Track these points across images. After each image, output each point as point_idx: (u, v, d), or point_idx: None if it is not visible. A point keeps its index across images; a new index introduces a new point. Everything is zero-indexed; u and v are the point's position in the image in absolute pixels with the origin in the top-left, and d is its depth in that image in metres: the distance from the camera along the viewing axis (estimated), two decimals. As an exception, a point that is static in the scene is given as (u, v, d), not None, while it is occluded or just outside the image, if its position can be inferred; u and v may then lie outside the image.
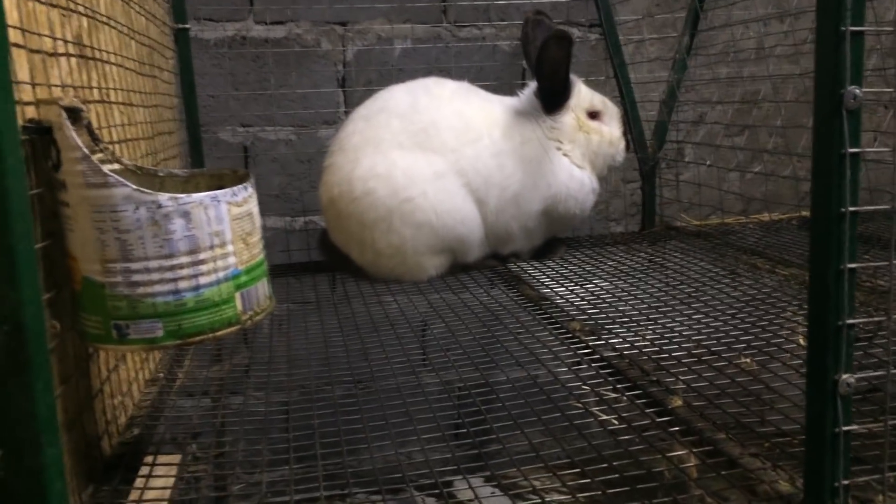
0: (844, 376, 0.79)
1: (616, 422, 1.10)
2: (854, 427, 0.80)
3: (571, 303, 1.58)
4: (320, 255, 2.01)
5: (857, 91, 0.76)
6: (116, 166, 0.96)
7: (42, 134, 0.83)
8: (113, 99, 1.22)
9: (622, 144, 1.90)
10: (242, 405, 1.23)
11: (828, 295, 0.78)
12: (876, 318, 0.92)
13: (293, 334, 1.53)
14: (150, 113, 1.52)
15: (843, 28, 0.75)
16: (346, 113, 2.48)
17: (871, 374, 0.82)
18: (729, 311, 1.44)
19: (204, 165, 2.11)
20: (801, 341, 1.27)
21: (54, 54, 0.96)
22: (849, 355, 0.79)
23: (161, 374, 1.35)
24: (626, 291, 1.63)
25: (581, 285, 1.70)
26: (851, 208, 0.77)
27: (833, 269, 0.77)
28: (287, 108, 2.45)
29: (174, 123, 1.89)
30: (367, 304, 1.69)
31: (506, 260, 1.92)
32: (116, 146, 1.21)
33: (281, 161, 2.47)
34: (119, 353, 1.11)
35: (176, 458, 1.06)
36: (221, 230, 0.88)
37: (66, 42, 1.00)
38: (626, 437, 1.04)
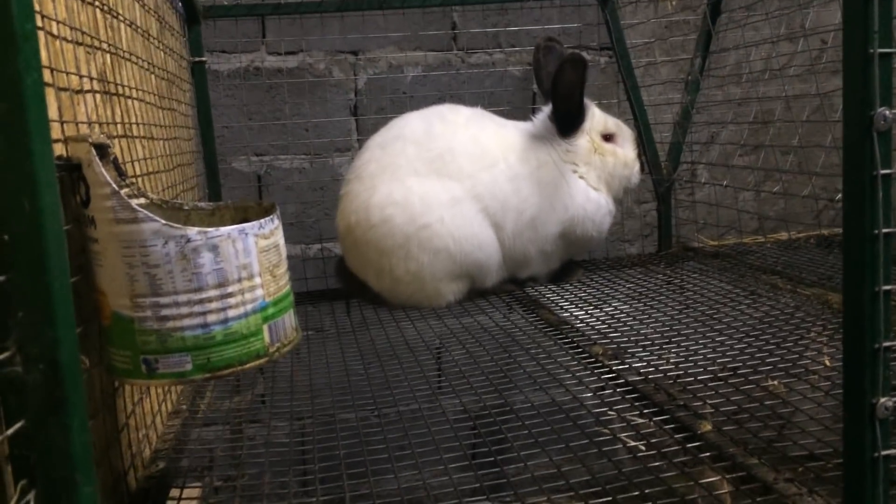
0: (882, 400, 0.78)
1: (644, 447, 1.09)
2: (893, 451, 0.79)
3: (592, 326, 1.58)
4: (337, 282, 2.02)
5: (888, 113, 0.75)
6: (143, 200, 0.96)
7: (71, 171, 0.84)
8: (135, 133, 1.23)
9: (637, 166, 1.90)
10: (266, 435, 1.23)
11: (863, 317, 0.77)
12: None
13: (313, 362, 1.53)
14: (170, 145, 1.53)
15: (872, 50, 0.74)
16: (359, 140, 2.50)
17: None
18: (752, 333, 1.43)
19: (221, 196, 2.12)
20: (828, 362, 1.25)
21: (80, 91, 0.97)
22: (886, 378, 0.78)
23: (184, 406, 1.34)
24: (646, 314, 1.62)
25: (600, 308, 1.69)
26: (885, 230, 0.76)
27: (868, 292, 0.77)
28: (300, 136, 2.47)
29: (191, 155, 1.91)
30: (386, 329, 1.68)
31: (523, 284, 1.91)
32: (139, 179, 1.22)
33: (295, 189, 2.49)
34: (147, 387, 1.11)
35: (201, 491, 1.06)
36: (249, 263, 0.88)
37: (91, 79, 1.01)
38: (656, 462, 1.03)
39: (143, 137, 1.29)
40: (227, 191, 2.30)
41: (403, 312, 1.77)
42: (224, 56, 2.41)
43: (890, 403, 0.78)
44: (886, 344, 0.77)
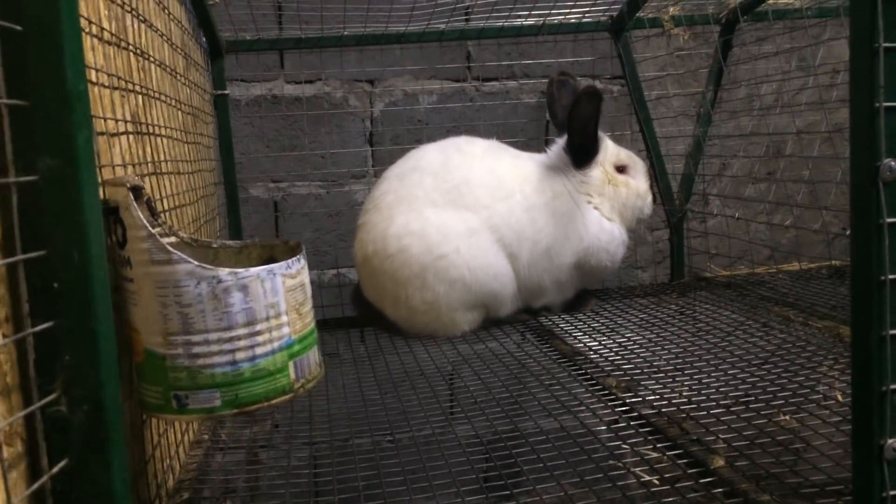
0: (890, 441, 0.80)
1: (657, 482, 1.11)
2: (902, 492, 0.81)
3: (605, 357, 1.60)
4: (353, 310, 2.05)
5: (893, 164, 0.78)
6: (174, 239, 1.00)
7: (109, 214, 0.88)
8: (163, 169, 1.28)
9: (649, 197, 1.93)
10: (287, 463, 1.26)
11: (871, 361, 0.80)
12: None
13: (331, 389, 1.56)
14: (195, 179, 1.58)
15: (878, 104, 0.78)
16: (374, 167, 2.55)
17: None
18: (764, 366, 1.45)
19: (241, 225, 2.16)
20: (840, 397, 1.27)
21: (116, 134, 1.01)
22: (894, 420, 0.80)
23: (205, 436, 1.37)
24: (658, 345, 1.64)
25: (613, 339, 1.71)
26: (892, 276, 0.79)
27: (875, 336, 0.79)
28: (317, 163, 2.52)
29: (213, 186, 1.95)
30: (401, 356, 1.72)
31: (537, 313, 1.94)
32: (166, 214, 1.26)
33: (311, 216, 2.53)
34: (177, 422, 1.14)
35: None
36: (277, 302, 0.91)
37: (125, 122, 1.05)
38: (670, 498, 1.05)
39: (171, 173, 1.34)
40: (245, 217, 2.34)
41: (418, 340, 1.80)
42: (243, 85, 2.47)
43: (898, 445, 0.80)
44: (894, 387, 0.80)
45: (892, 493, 0.81)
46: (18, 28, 0.62)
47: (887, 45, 0.77)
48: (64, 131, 0.63)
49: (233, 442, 1.39)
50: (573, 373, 1.54)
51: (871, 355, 0.80)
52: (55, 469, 0.65)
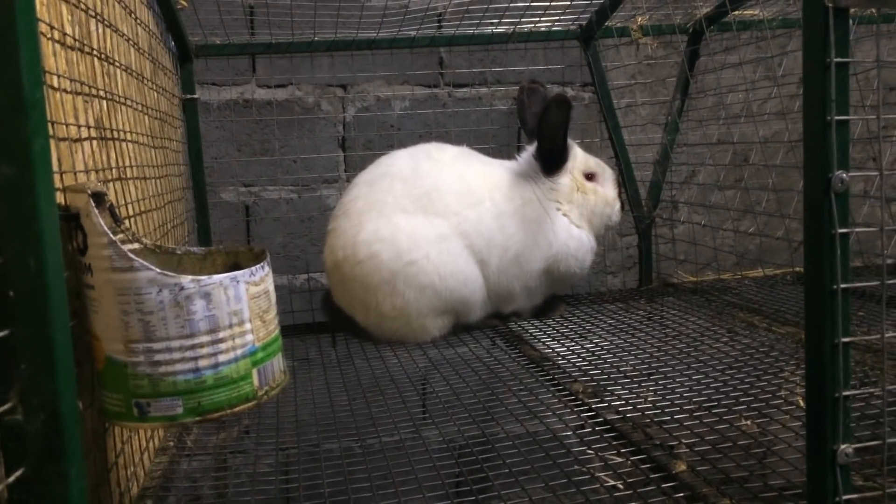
0: (843, 446, 0.82)
1: (622, 487, 1.12)
2: (854, 496, 0.83)
3: (572, 363, 1.61)
4: (324, 316, 2.04)
5: (844, 175, 0.80)
6: (137, 246, 1.00)
7: (69, 220, 0.87)
8: (129, 175, 1.27)
9: (618, 205, 1.96)
10: (253, 468, 1.26)
11: (824, 368, 0.81)
12: (871, 390, 0.95)
13: (299, 394, 1.56)
14: (162, 184, 1.57)
15: (829, 117, 0.80)
16: (347, 172, 2.55)
17: (868, 444, 0.85)
18: (728, 371, 1.47)
19: (210, 230, 2.15)
20: (801, 402, 1.30)
21: (78, 140, 1.00)
22: (846, 426, 0.82)
23: (171, 443, 1.36)
24: (626, 350, 1.66)
25: (581, 344, 1.73)
26: (843, 285, 0.81)
27: (828, 344, 0.81)
28: (288, 167, 2.51)
29: (182, 191, 1.94)
30: (371, 362, 1.72)
31: (507, 319, 1.95)
32: (131, 220, 1.25)
33: (283, 220, 2.52)
34: (138, 430, 1.13)
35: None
36: (240, 309, 0.91)
37: (88, 127, 1.05)
38: (633, 503, 1.06)
39: (137, 178, 1.33)
40: (216, 221, 2.33)
41: (389, 345, 1.80)
42: (214, 88, 2.46)
43: (850, 450, 0.82)
44: (846, 393, 0.82)
45: (846, 497, 0.83)
46: (-27, 34, 0.62)
47: (838, 60, 0.79)
48: (20, 139, 0.63)
49: (199, 448, 1.39)
50: (541, 378, 1.55)
51: (824, 362, 0.81)
52: (11, 478, 0.64)
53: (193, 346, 0.88)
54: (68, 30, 1.00)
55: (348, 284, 1.80)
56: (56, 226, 0.65)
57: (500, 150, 2.41)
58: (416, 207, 1.79)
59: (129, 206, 1.24)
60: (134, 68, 1.40)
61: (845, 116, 0.80)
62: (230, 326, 0.90)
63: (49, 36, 0.91)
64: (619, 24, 2.19)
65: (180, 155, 1.97)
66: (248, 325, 0.92)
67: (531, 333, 1.85)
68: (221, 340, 0.90)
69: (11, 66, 0.62)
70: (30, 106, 0.63)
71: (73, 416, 0.67)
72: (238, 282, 0.91)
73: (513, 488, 1.12)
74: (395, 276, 1.75)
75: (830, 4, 0.79)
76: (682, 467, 1.12)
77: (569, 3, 2.08)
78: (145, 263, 0.86)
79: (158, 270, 0.86)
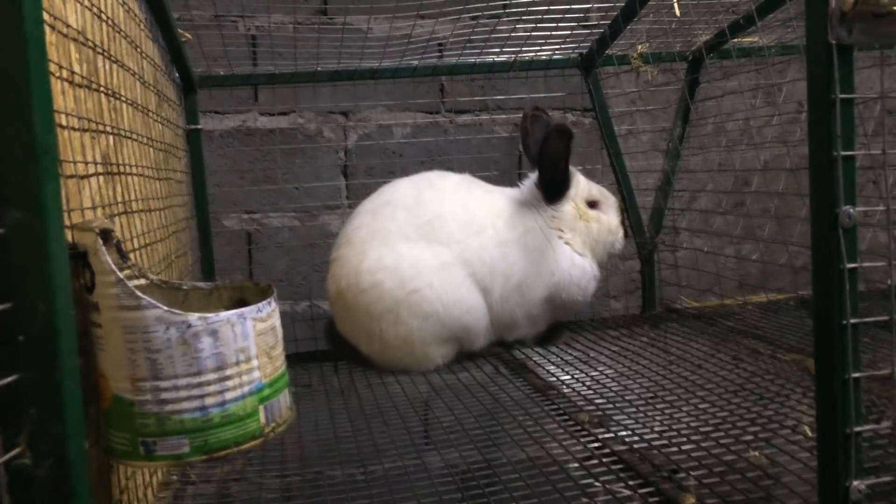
0: (856, 483, 0.81)
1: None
2: (867, 532, 0.82)
3: (578, 392, 1.61)
4: (327, 344, 2.04)
5: (852, 210, 0.80)
6: (143, 282, 1.00)
7: (77, 258, 0.87)
8: (134, 208, 1.27)
9: (621, 232, 1.96)
10: (258, 496, 1.25)
11: (835, 404, 0.81)
12: (884, 426, 0.94)
13: (302, 422, 1.55)
14: (166, 215, 1.57)
15: (835, 153, 0.80)
16: (348, 199, 2.55)
17: (880, 480, 0.84)
18: (734, 400, 1.46)
19: (213, 260, 2.14)
20: (809, 432, 1.29)
21: (86, 176, 1.00)
22: (859, 461, 0.82)
23: (174, 476, 1.35)
24: (630, 379, 1.65)
25: (586, 372, 1.72)
26: (853, 320, 0.81)
27: (839, 380, 0.81)
28: (290, 194, 2.52)
29: (185, 221, 1.94)
30: (374, 389, 1.72)
31: (511, 347, 1.95)
32: (136, 253, 1.25)
33: (285, 247, 2.53)
34: (145, 469, 1.12)
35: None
36: (247, 346, 0.91)
37: (95, 164, 1.05)
38: (642, 537, 1.05)
39: (142, 211, 1.33)
40: (217, 248, 2.32)
41: (392, 373, 1.80)
42: (217, 117, 2.47)
43: (863, 486, 0.81)
44: (858, 429, 0.81)
45: (858, 533, 0.82)
46: (-14, 81, 0.62)
47: (843, 96, 0.80)
48: (31, 184, 0.63)
49: (203, 479, 1.38)
50: (546, 408, 1.54)
51: (835, 398, 0.81)
52: (18, 525, 0.64)
53: (200, 384, 0.88)
54: (76, 68, 1.01)
55: (352, 313, 1.80)
56: (66, 270, 0.65)
57: (502, 177, 2.42)
58: (419, 236, 1.79)
59: (135, 240, 1.24)
60: (139, 102, 1.41)
61: (851, 152, 0.80)
62: (237, 363, 0.90)
63: (57, 75, 0.92)
64: (619, 53, 2.20)
65: (183, 185, 1.98)
66: (254, 362, 0.92)
67: (535, 361, 1.85)
68: (228, 378, 0.89)
69: (24, 112, 0.63)
70: (42, 151, 0.64)
71: (82, 460, 0.67)
72: (245, 318, 0.91)
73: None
74: (398, 305, 1.74)
75: (834, 42, 0.80)
76: (691, 500, 1.11)
77: (569, 32, 2.09)
78: (153, 301, 0.86)
79: (166, 308, 0.86)
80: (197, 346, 0.87)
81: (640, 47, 2.16)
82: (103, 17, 1.17)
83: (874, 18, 0.80)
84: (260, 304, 0.93)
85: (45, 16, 0.79)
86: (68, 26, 0.99)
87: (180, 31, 1.83)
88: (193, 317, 0.87)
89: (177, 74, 1.96)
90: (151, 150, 1.48)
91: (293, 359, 2.04)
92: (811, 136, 0.82)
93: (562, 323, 2.09)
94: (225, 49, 2.05)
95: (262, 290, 1.03)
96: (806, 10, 0.82)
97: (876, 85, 0.97)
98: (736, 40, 1.94)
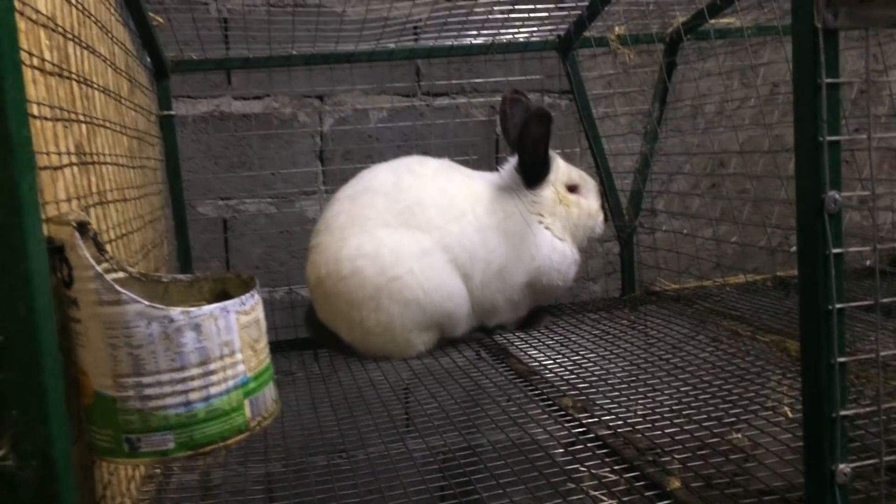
0: (841, 466, 0.82)
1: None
2: (853, 514, 0.83)
3: (560, 376, 1.61)
4: (307, 331, 2.02)
5: (837, 196, 0.81)
6: (122, 275, 0.98)
7: (54, 253, 0.85)
8: (109, 198, 1.24)
9: (601, 217, 1.96)
10: (243, 486, 1.24)
11: (821, 388, 0.82)
12: (867, 409, 0.95)
13: (285, 409, 1.53)
14: (141, 204, 1.54)
15: (821, 138, 0.80)
16: (325, 184, 2.53)
17: (866, 463, 0.85)
18: (715, 382, 1.48)
19: (190, 248, 2.11)
20: (789, 413, 1.30)
21: (59, 167, 0.98)
22: (844, 445, 0.83)
23: (157, 469, 1.34)
24: (612, 362, 1.66)
25: (568, 357, 1.73)
26: (838, 305, 0.81)
27: (825, 364, 0.81)
28: (265, 180, 2.49)
29: (161, 210, 1.91)
30: (354, 374, 1.72)
31: (492, 332, 1.95)
32: (113, 244, 1.23)
33: (261, 233, 2.50)
34: (129, 465, 1.11)
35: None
36: (231, 340, 0.89)
37: (69, 154, 1.02)
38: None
39: (117, 201, 1.30)
40: (194, 235, 2.29)
41: (373, 360, 1.79)
42: (189, 101, 2.43)
43: (848, 469, 0.82)
44: (843, 412, 0.82)
45: (843, 515, 0.83)
46: (-43, 72, 0.60)
47: (829, 80, 0.80)
48: (6, 179, 0.61)
49: (186, 470, 1.36)
50: (529, 392, 1.55)
51: (820, 382, 0.82)
52: (2, 529, 0.63)
53: (184, 379, 0.86)
54: (47, 55, 0.98)
55: (332, 300, 1.79)
56: (45, 267, 0.63)
57: (480, 161, 2.41)
58: (399, 222, 1.78)
59: (111, 231, 1.22)
60: (112, 88, 1.37)
61: (837, 137, 0.80)
62: (221, 358, 0.89)
63: (28, 63, 0.89)
64: (596, 34, 2.19)
65: (158, 173, 1.94)
66: (239, 356, 0.90)
67: (517, 346, 1.85)
68: (212, 372, 0.88)
69: (-4, 105, 0.60)
70: (17, 145, 0.62)
71: (66, 461, 0.65)
72: (228, 312, 0.89)
73: (500, 498, 1.12)
74: (379, 292, 1.73)
75: (820, 25, 0.80)
76: (676, 484, 1.12)
77: (547, 14, 2.08)
78: (133, 296, 0.84)
79: (147, 303, 0.84)
80: (180, 341, 0.85)
81: (617, 29, 2.15)
82: (73, 1, 1.14)
83: (860, 2, 0.80)
84: (243, 297, 0.92)
85: (15, 2, 0.76)
86: (38, 12, 0.96)
87: (151, 14, 1.79)
88: (176, 311, 0.85)
89: (148, 59, 1.92)
90: (125, 137, 1.45)
91: (273, 347, 1.99)
92: (797, 122, 0.82)
93: (542, 307, 2.09)
94: (198, 33, 2.01)
95: (245, 282, 1.01)
96: (792, -6, 0.81)
97: (849, 66, 0.97)
98: (713, 21, 1.94)
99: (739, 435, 1.24)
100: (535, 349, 1.81)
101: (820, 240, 0.81)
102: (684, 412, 1.35)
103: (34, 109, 0.90)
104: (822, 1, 0.80)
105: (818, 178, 0.81)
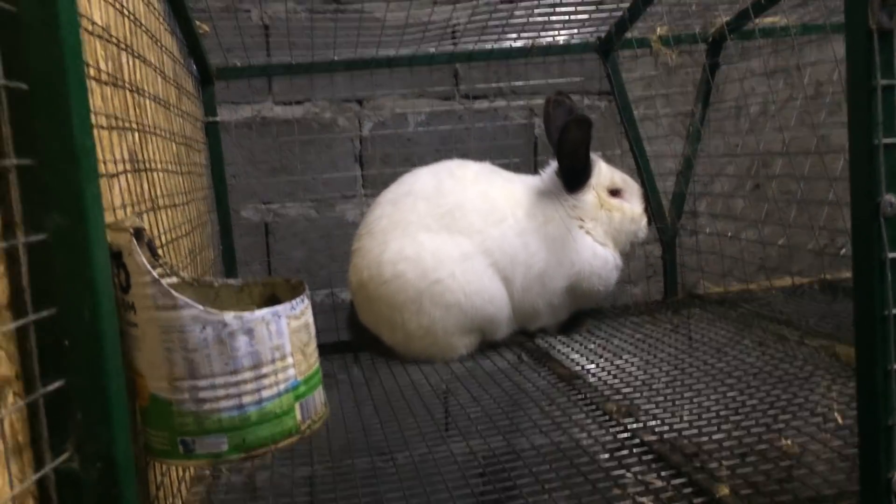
0: (898, 474, 0.81)
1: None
2: (910, 524, 0.81)
3: (603, 381, 1.60)
4: (349, 334, 2.04)
5: (893, 199, 0.79)
6: (175, 280, 1.00)
7: (112, 259, 0.87)
8: (160, 204, 1.27)
9: (644, 221, 1.94)
10: (289, 493, 1.26)
11: (876, 395, 0.80)
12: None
13: (332, 413, 1.55)
14: (189, 210, 1.57)
15: (877, 141, 0.79)
16: (364, 188, 2.55)
17: (924, 471, 0.83)
18: (763, 388, 1.45)
19: (235, 252, 2.15)
20: (840, 419, 1.28)
21: (115, 174, 1.00)
22: (901, 452, 0.81)
23: (206, 471, 1.36)
24: (656, 367, 1.65)
25: (610, 361, 1.72)
26: (895, 310, 0.80)
27: (880, 370, 0.80)
28: (306, 184, 2.51)
29: (207, 214, 1.94)
30: (397, 377, 1.72)
31: (533, 336, 1.94)
32: (163, 248, 1.25)
33: (302, 236, 2.53)
34: (183, 467, 1.13)
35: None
36: (282, 344, 0.91)
37: (123, 162, 1.05)
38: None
39: (167, 207, 1.33)
40: (235, 238, 2.32)
41: (413, 363, 1.80)
42: (232, 107, 2.47)
43: (906, 477, 0.81)
44: (901, 420, 0.80)
45: (901, 524, 0.82)
46: (24, 86, 0.62)
47: (885, 82, 0.78)
48: (72, 188, 0.63)
49: (234, 472, 1.38)
50: (572, 397, 1.54)
51: (876, 389, 0.80)
52: (67, 528, 0.64)
53: (237, 383, 0.88)
54: (102, 65, 1.00)
55: (374, 304, 1.80)
56: (108, 273, 0.65)
57: (520, 164, 2.40)
58: (440, 226, 1.79)
59: (162, 236, 1.24)
60: (161, 96, 1.40)
61: (893, 139, 0.79)
62: (273, 361, 0.90)
63: (86, 74, 0.91)
64: (638, 35, 2.18)
65: (203, 178, 1.98)
66: (290, 360, 0.92)
67: (559, 350, 1.84)
68: (264, 376, 0.89)
69: (63, 116, 0.62)
70: (81, 154, 0.64)
71: (129, 463, 0.67)
72: (280, 316, 0.91)
73: (545, 503, 1.12)
74: (420, 295, 1.74)
75: (875, 27, 0.78)
76: (725, 491, 1.10)
77: (588, 16, 2.07)
78: (189, 301, 0.86)
79: (202, 308, 0.86)
80: (233, 345, 0.87)
81: (659, 29, 2.13)
82: (125, 11, 1.17)
83: (916, 3, 0.78)
84: (294, 302, 0.93)
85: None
86: (94, 23, 0.98)
87: (197, 22, 1.82)
88: (229, 315, 0.87)
89: (194, 66, 1.95)
90: (173, 144, 1.48)
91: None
92: (851, 125, 0.81)
93: (583, 311, 2.08)
94: (242, 40, 2.04)
95: (294, 287, 1.02)
96: (845, -5, 0.80)
97: None
98: (758, 21, 1.91)
99: (789, 441, 1.22)
100: (577, 353, 1.81)
101: (875, 244, 0.79)
102: (731, 417, 1.33)
103: (92, 119, 0.93)
104: (877, 2, 0.79)
105: (874, 181, 0.79)
